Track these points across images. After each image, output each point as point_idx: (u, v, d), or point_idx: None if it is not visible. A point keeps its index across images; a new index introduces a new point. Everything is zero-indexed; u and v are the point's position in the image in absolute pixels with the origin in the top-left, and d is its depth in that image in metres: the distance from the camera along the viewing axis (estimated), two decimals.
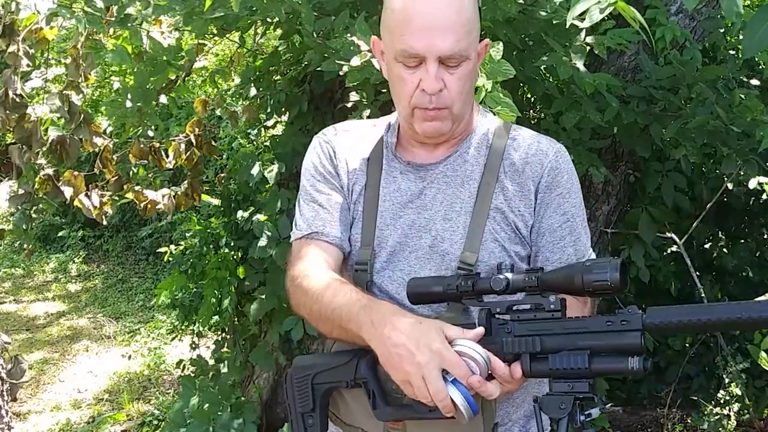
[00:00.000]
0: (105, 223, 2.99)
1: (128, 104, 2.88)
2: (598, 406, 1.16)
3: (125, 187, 3.06)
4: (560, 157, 1.48)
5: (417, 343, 1.19)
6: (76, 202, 2.83)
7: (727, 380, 3.54)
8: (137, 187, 3.08)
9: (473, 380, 1.18)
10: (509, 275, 1.23)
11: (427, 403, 1.20)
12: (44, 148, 2.79)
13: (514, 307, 1.25)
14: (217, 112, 4.59)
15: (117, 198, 3.08)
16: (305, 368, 1.41)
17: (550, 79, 2.77)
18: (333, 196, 1.52)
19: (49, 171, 2.80)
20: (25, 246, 3.42)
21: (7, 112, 2.67)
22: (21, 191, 2.90)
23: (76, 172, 2.85)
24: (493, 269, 1.30)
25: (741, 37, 3.40)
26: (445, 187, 1.47)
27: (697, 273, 3.23)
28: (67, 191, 2.80)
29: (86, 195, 2.84)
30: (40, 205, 3.05)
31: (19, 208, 3.01)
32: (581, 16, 1.62)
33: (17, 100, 2.67)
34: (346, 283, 1.40)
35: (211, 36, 3.24)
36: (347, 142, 1.57)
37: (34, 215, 3.07)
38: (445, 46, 1.34)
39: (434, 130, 1.42)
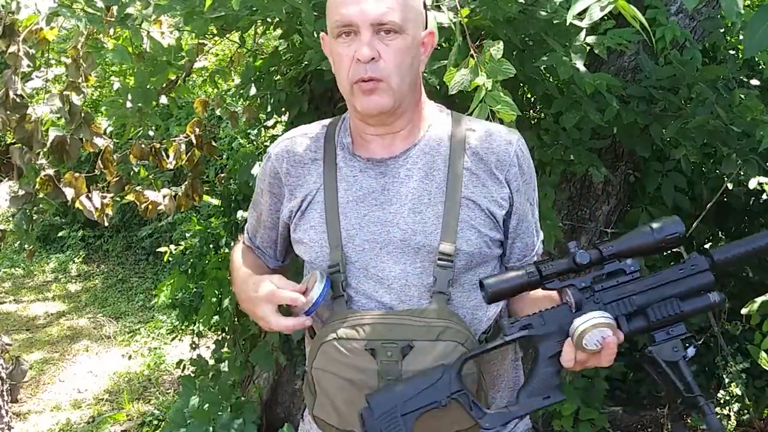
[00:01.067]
0: (106, 224, 2.99)
1: (128, 104, 2.88)
2: (693, 345, 1.29)
3: (126, 188, 3.06)
4: (522, 144, 1.52)
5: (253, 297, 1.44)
6: (77, 204, 2.83)
7: (727, 380, 3.54)
8: (138, 188, 3.08)
9: (611, 340, 1.24)
10: (582, 250, 1.29)
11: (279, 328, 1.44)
12: (45, 149, 2.79)
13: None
14: (217, 112, 4.59)
15: (118, 199, 3.08)
16: (388, 404, 1.28)
17: (550, 79, 2.77)
18: (267, 212, 1.60)
19: (50, 171, 2.80)
20: (26, 246, 3.42)
21: (8, 112, 2.67)
22: (22, 192, 2.90)
23: (76, 174, 2.85)
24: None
25: (741, 37, 3.40)
26: (408, 181, 1.46)
27: None
28: (68, 192, 2.80)
29: (87, 196, 2.84)
30: (41, 206, 3.05)
31: (20, 208, 3.01)
32: (581, 15, 1.62)
33: (18, 100, 2.67)
34: (244, 256, 1.65)
35: (211, 36, 3.24)
36: (291, 152, 1.55)
37: (35, 216, 3.07)
38: (376, 12, 1.35)
39: (374, 106, 1.41)
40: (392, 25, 1.36)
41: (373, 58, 1.36)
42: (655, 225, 1.30)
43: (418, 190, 1.45)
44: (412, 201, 1.44)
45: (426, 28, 1.48)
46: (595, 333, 1.24)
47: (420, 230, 1.42)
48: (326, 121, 1.59)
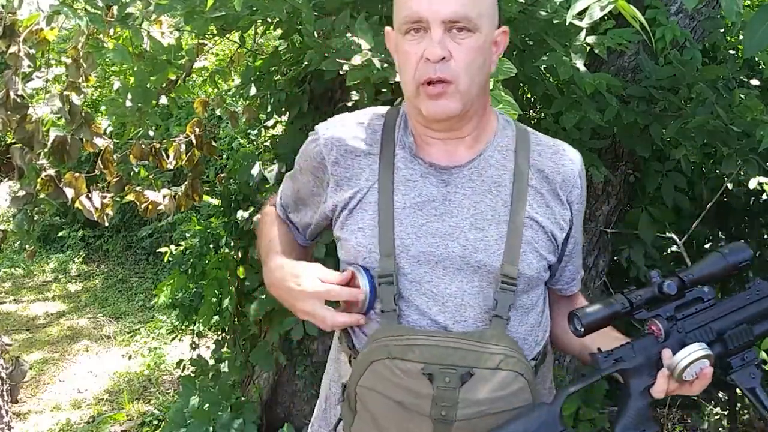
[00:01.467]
0: (106, 224, 2.99)
1: (128, 104, 2.88)
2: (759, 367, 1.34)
3: (126, 188, 3.06)
4: (582, 163, 1.46)
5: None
6: (77, 204, 2.83)
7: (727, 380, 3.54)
8: (138, 188, 3.08)
9: (708, 371, 1.25)
10: (668, 280, 1.31)
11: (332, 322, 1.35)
12: (45, 149, 2.79)
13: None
14: (217, 112, 4.60)
15: (118, 199, 3.08)
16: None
17: (550, 79, 2.77)
18: (307, 189, 1.50)
19: (51, 172, 2.80)
20: (27, 247, 3.42)
21: (8, 113, 2.67)
22: (22, 192, 2.90)
23: (77, 174, 2.85)
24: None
25: (741, 37, 3.40)
26: (471, 193, 1.36)
27: None
28: (69, 192, 2.80)
29: (87, 196, 2.84)
30: (42, 206, 3.05)
31: (21, 209, 3.01)
32: (581, 15, 1.63)
33: (18, 101, 2.67)
34: (277, 227, 1.55)
35: (211, 36, 3.24)
36: (342, 140, 1.42)
37: (35, 216, 3.07)
38: (450, 8, 1.25)
39: (441, 110, 1.30)
40: (466, 22, 1.26)
41: (443, 58, 1.26)
42: (726, 251, 1.33)
43: (481, 204, 1.36)
44: (474, 216, 1.35)
45: (499, 25, 1.37)
46: (696, 365, 1.25)
47: (482, 248, 1.33)
48: (380, 110, 1.47)
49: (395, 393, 1.25)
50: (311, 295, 1.30)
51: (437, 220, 1.34)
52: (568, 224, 1.41)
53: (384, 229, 1.33)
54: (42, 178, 2.77)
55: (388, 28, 1.41)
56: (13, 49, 2.64)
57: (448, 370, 1.24)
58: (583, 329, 1.28)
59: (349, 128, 1.43)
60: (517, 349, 1.29)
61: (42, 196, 2.84)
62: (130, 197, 3.04)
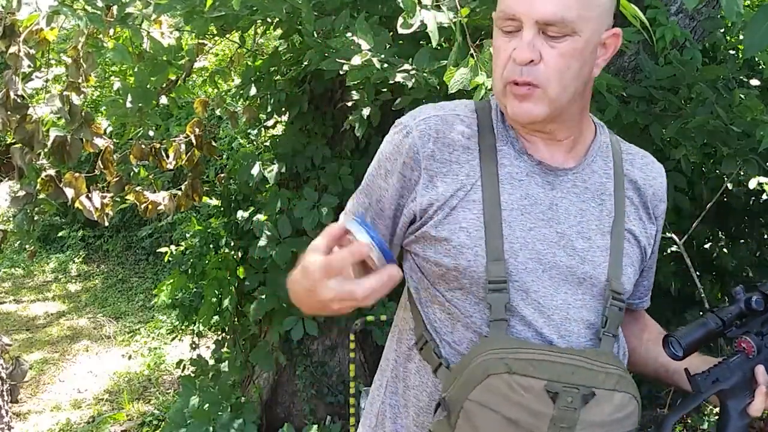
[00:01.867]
0: (106, 224, 2.99)
1: (129, 104, 2.88)
2: None
3: (126, 188, 3.06)
4: (666, 178, 1.41)
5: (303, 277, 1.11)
6: (77, 204, 2.83)
7: None
8: (138, 188, 3.08)
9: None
10: (754, 295, 1.28)
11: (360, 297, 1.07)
12: (46, 149, 2.79)
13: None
14: (217, 112, 4.60)
15: (118, 200, 3.08)
16: None
17: None
18: (388, 196, 1.29)
19: (51, 172, 2.81)
20: (27, 247, 3.43)
21: (8, 113, 2.67)
22: (23, 192, 2.90)
23: (77, 174, 2.85)
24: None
25: (741, 37, 3.40)
26: (576, 200, 1.27)
27: (698, 273, 3.23)
28: (69, 193, 2.80)
29: (87, 197, 2.85)
30: (42, 206, 3.06)
31: (21, 209, 3.01)
32: None
33: (18, 101, 2.67)
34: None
35: (211, 36, 3.24)
36: (441, 132, 1.28)
37: (36, 216, 3.07)
38: (546, 10, 1.15)
39: (524, 113, 1.21)
40: (562, 26, 1.16)
41: (531, 61, 1.17)
42: None
43: (587, 213, 1.27)
44: (581, 224, 1.26)
45: (612, 26, 1.25)
46: None
47: (589, 259, 1.25)
48: (467, 102, 1.35)
49: (511, 410, 1.14)
50: (320, 277, 1.06)
51: (545, 226, 1.24)
52: (653, 239, 1.37)
53: (491, 231, 1.22)
54: (42, 179, 2.77)
55: (495, 14, 1.27)
56: (13, 49, 2.64)
57: (571, 389, 1.15)
58: (682, 353, 1.25)
59: (446, 119, 1.29)
60: (626, 370, 1.23)
61: (42, 196, 2.84)
62: (130, 197, 3.04)
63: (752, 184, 2.85)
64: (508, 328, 1.21)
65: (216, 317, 3.70)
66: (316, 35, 2.39)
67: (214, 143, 3.46)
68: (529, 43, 1.17)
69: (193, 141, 3.18)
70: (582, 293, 1.24)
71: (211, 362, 3.79)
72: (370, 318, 3.04)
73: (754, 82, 3.28)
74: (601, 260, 1.25)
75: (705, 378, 1.26)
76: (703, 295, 3.26)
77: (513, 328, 1.22)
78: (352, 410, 3.04)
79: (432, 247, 1.25)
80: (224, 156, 5.27)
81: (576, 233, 1.25)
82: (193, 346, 4.07)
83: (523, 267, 1.22)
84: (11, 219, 8.81)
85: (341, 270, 1.05)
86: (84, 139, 2.84)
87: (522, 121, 1.23)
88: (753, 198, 3.65)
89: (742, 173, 2.97)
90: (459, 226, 1.23)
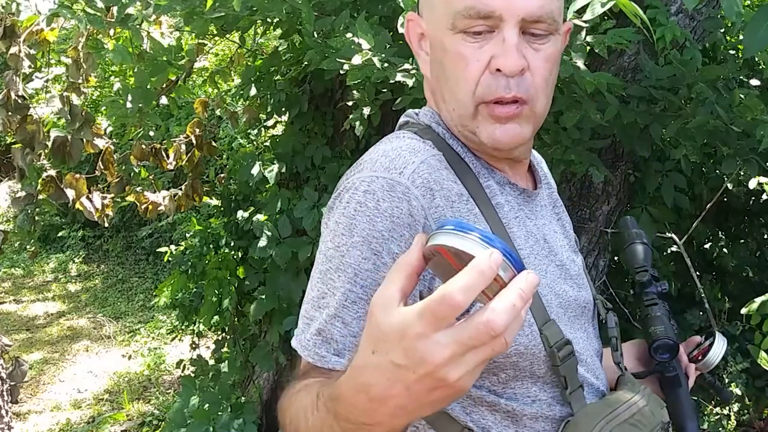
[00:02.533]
0: (106, 224, 3.00)
1: (129, 104, 2.88)
2: None
3: (127, 188, 3.06)
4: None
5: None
6: (77, 205, 2.83)
7: (727, 380, 3.54)
8: (139, 189, 3.08)
9: None
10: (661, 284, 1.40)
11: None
12: (47, 150, 2.79)
13: None
14: (217, 112, 4.59)
15: (119, 200, 3.08)
16: None
17: None
18: None
19: (52, 173, 2.81)
20: (29, 247, 3.44)
21: (9, 113, 2.68)
22: (23, 193, 2.90)
23: (77, 175, 2.85)
24: None
25: (741, 36, 3.40)
26: (549, 223, 1.11)
27: (698, 273, 3.23)
28: (70, 194, 2.80)
29: (88, 198, 2.85)
30: (43, 207, 3.06)
31: (23, 209, 3.01)
32: (581, 13, 1.62)
33: (19, 101, 2.67)
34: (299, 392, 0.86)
35: (211, 36, 3.24)
36: (438, 182, 0.96)
37: (37, 217, 3.07)
38: (532, 3, 0.93)
39: (510, 138, 0.97)
40: (550, 22, 0.95)
41: (522, 70, 0.95)
42: None
43: (559, 234, 1.12)
44: (563, 248, 1.11)
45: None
46: None
47: (582, 284, 1.11)
48: (417, 138, 1.02)
49: None
50: (424, 330, 0.61)
51: (550, 263, 1.06)
52: None
53: None
54: (43, 179, 2.77)
55: (411, 14, 1.06)
56: (13, 49, 2.64)
57: (660, 429, 1.07)
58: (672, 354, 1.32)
59: (427, 164, 0.97)
60: None
61: (43, 197, 2.84)
62: (131, 198, 3.05)
63: (752, 184, 2.84)
64: (586, 393, 1.02)
65: (216, 317, 3.70)
66: (316, 35, 2.39)
67: (214, 143, 3.46)
68: (517, 46, 0.93)
69: (194, 141, 3.19)
70: (585, 323, 1.10)
71: (211, 362, 3.79)
72: None
73: (754, 82, 3.27)
74: (586, 281, 1.13)
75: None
76: (703, 295, 3.25)
77: (587, 390, 1.04)
78: None
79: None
80: (224, 156, 5.27)
81: (567, 259, 1.10)
82: (193, 346, 4.07)
83: (557, 317, 1.00)
84: (11, 219, 8.81)
85: (452, 315, 0.60)
86: (84, 140, 2.85)
87: (506, 146, 0.99)
88: (753, 198, 3.64)
89: (742, 173, 2.97)
90: None
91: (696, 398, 3.67)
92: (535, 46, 0.95)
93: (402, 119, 1.11)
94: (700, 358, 1.40)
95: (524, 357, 0.95)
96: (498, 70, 0.94)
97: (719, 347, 1.41)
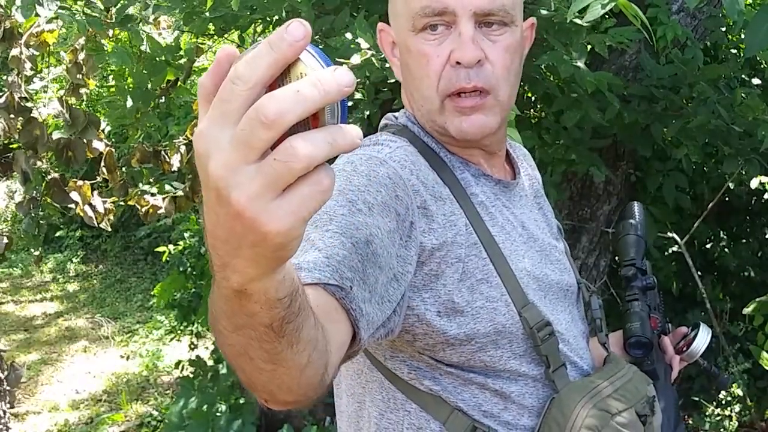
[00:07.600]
0: (108, 229, 2.98)
1: (128, 104, 2.87)
2: None
3: (130, 191, 3.05)
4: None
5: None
6: (78, 211, 2.81)
7: (726, 374, 3.54)
8: (146, 188, 3.07)
9: None
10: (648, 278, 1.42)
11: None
12: (50, 153, 2.78)
13: None
14: None
15: (121, 203, 3.07)
16: None
17: (551, 78, 2.75)
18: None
19: (56, 175, 2.79)
20: (34, 251, 3.43)
21: (12, 116, 2.66)
22: (27, 197, 2.88)
23: (80, 181, 2.83)
24: None
25: (743, 35, 3.39)
26: (529, 211, 1.17)
27: (699, 273, 3.22)
28: (76, 197, 2.78)
29: (89, 204, 2.83)
30: (47, 211, 3.04)
31: (27, 213, 2.99)
32: (581, 13, 1.61)
33: (22, 103, 2.66)
34: None
35: (210, 36, 3.22)
36: (417, 169, 1.02)
37: (41, 221, 3.06)
38: None
39: (477, 129, 1.03)
40: (503, 14, 1.01)
41: (479, 61, 1.00)
42: None
43: (540, 222, 1.18)
44: (545, 235, 1.17)
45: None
46: None
47: (565, 268, 1.17)
48: (384, 136, 1.09)
49: None
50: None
51: (529, 248, 1.10)
52: None
53: (505, 274, 1.03)
54: (47, 182, 2.76)
55: (381, 25, 1.14)
56: (14, 51, 2.63)
57: (644, 403, 1.11)
58: (648, 349, 1.34)
59: (404, 149, 1.03)
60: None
61: (47, 200, 2.82)
62: (132, 202, 3.03)
63: (754, 183, 2.84)
64: (569, 371, 1.09)
65: None
66: (315, 35, 2.38)
67: None
68: (472, 38, 1.00)
69: None
70: (569, 305, 1.16)
71: (210, 363, 3.78)
72: None
73: (756, 81, 3.27)
74: (568, 265, 1.19)
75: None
76: (704, 295, 3.25)
77: (570, 369, 1.10)
78: None
79: (462, 319, 1.00)
80: None
81: (548, 245, 1.15)
82: (192, 346, 4.06)
83: (539, 300, 1.07)
84: (9, 219, 8.81)
85: (236, 91, 0.50)
86: (84, 141, 2.83)
87: (474, 137, 1.05)
88: (755, 198, 3.64)
89: (743, 173, 2.97)
90: (475, 279, 1.01)
91: (697, 398, 3.67)
92: (492, 37, 1.02)
93: (382, 122, 1.17)
94: (684, 348, 1.43)
95: (503, 335, 1.02)
96: (458, 62, 1.00)
97: (703, 337, 1.43)
